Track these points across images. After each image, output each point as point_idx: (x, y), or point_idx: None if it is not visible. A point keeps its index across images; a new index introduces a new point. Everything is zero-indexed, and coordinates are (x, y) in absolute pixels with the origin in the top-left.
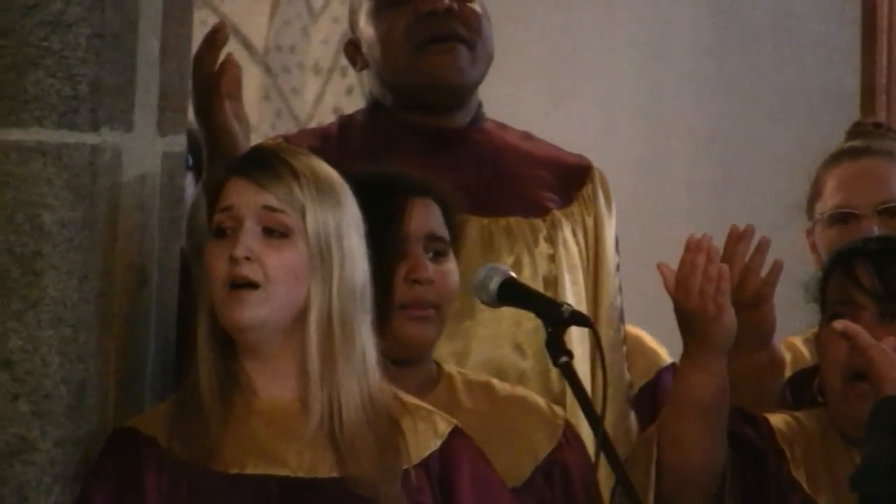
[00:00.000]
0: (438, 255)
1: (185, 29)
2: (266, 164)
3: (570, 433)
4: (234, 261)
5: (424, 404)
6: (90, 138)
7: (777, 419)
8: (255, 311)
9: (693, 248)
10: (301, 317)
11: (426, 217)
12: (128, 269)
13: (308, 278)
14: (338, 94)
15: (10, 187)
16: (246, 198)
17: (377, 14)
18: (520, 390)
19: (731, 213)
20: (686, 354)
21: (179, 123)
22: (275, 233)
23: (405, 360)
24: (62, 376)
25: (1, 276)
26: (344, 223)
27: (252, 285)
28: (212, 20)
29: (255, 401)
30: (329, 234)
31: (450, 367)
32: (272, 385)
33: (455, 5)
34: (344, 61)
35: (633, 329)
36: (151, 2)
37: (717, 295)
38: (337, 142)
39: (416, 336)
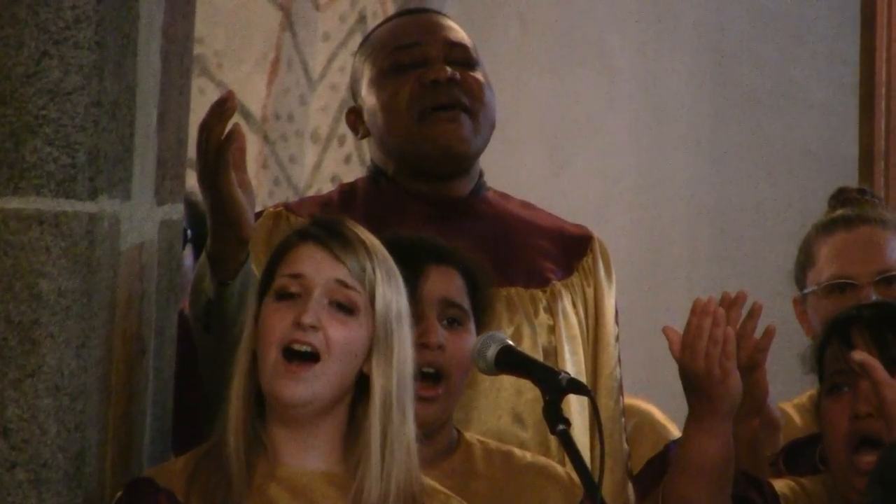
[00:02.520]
0: (454, 323)
1: (183, 97)
2: (341, 234)
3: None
4: (299, 326)
5: (442, 488)
6: (88, 207)
7: (781, 484)
8: (307, 388)
9: (699, 311)
10: (343, 396)
11: (443, 284)
12: (126, 337)
13: (361, 358)
14: (336, 163)
15: (7, 256)
16: (319, 268)
17: (380, 82)
18: (541, 459)
19: (729, 279)
20: (691, 418)
21: (177, 192)
22: (342, 307)
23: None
24: (60, 445)
25: None
26: (403, 307)
27: (312, 356)
28: (210, 88)
29: (278, 468)
30: (392, 316)
31: (471, 435)
32: (298, 455)
33: (458, 74)
34: (342, 129)
35: (643, 404)
36: (150, 70)
37: (723, 358)
38: (339, 209)
39: (419, 415)
